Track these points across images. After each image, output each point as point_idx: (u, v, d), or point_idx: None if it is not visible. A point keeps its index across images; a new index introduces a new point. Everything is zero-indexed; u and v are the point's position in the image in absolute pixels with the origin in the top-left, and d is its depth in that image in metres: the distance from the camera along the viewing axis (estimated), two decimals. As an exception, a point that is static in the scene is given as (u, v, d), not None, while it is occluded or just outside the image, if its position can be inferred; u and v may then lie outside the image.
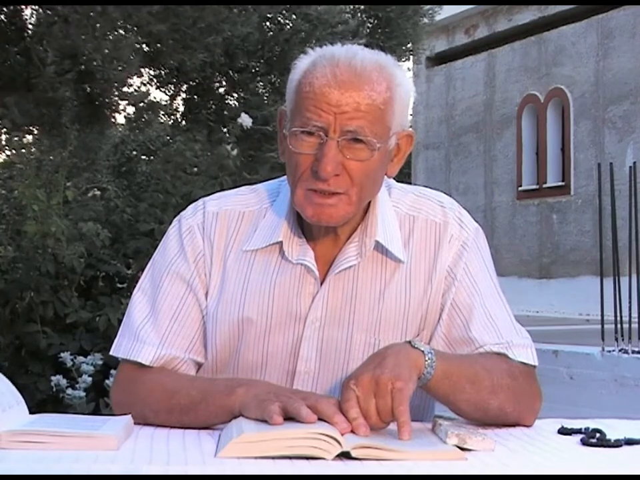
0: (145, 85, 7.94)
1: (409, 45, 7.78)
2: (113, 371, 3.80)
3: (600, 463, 1.21)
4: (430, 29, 8.74)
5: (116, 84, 6.36)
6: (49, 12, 5.78)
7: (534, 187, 14.44)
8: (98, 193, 6.40)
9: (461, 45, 16.13)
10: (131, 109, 9.34)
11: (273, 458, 1.17)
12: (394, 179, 1.62)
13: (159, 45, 6.30)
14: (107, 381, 3.89)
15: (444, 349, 1.52)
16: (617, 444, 1.30)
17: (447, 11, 13.33)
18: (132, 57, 5.84)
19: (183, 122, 7.95)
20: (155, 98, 9.58)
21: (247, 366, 1.55)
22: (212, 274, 1.57)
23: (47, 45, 5.71)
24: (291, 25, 7.09)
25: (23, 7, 6.05)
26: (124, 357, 1.55)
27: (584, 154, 13.55)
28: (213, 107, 7.53)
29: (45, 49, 5.74)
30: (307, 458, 1.17)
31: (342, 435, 1.21)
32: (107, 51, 5.70)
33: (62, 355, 4.11)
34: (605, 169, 7.24)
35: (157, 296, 1.57)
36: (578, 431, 1.40)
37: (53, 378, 4.00)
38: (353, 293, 1.54)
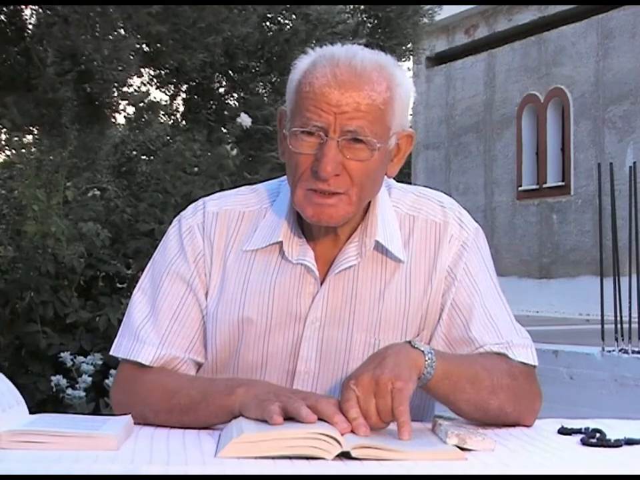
0: (145, 85, 7.94)
1: (409, 45, 7.78)
2: (112, 371, 3.80)
3: (600, 463, 1.21)
4: (430, 29, 8.75)
5: (116, 84, 6.36)
6: (48, 12, 5.78)
7: (534, 187, 14.45)
8: (98, 193, 6.39)
9: (461, 45, 16.13)
10: (131, 109, 9.34)
11: (273, 458, 1.17)
12: (394, 178, 1.62)
13: (158, 45, 6.31)
14: (106, 381, 3.89)
15: (444, 349, 1.52)
16: (617, 444, 1.30)
17: (447, 11, 13.33)
18: (132, 57, 5.84)
19: (183, 122, 7.95)
20: (155, 98, 9.58)
21: (246, 366, 1.55)
22: (212, 274, 1.57)
23: (47, 45, 5.71)
24: (290, 25, 7.09)
25: (23, 6, 6.05)
26: (124, 356, 1.55)
27: (584, 154, 13.56)
28: (213, 107, 7.54)
29: (45, 49, 5.74)
30: (307, 458, 1.17)
31: (342, 434, 1.21)
32: (106, 51, 5.70)
33: (62, 355, 4.11)
34: (605, 169, 7.24)
35: (157, 296, 1.57)
36: (578, 431, 1.40)
37: (52, 378, 4.00)
38: (352, 292, 1.54)
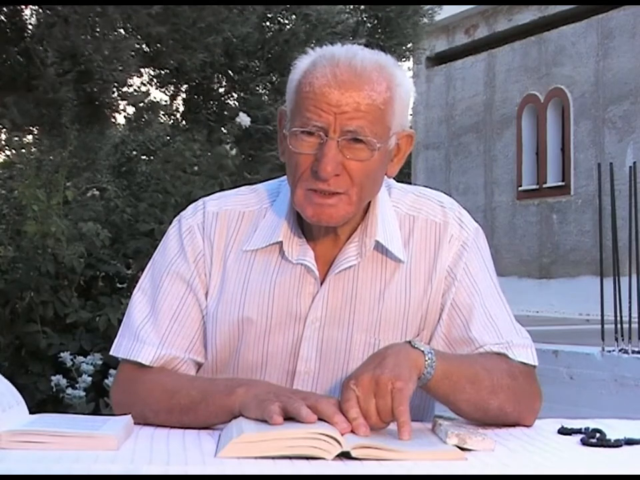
0: (144, 85, 7.93)
1: (409, 45, 7.77)
2: (112, 371, 3.80)
3: (600, 463, 1.21)
4: (430, 29, 8.75)
5: (116, 84, 6.36)
6: (48, 12, 5.78)
7: (534, 187, 14.45)
8: (97, 193, 6.39)
9: (461, 45, 16.13)
10: (131, 109, 9.33)
11: (273, 458, 1.17)
12: (394, 178, 1.62)
13: (158, 45, 6.31)
14: (106, 381, 3.89)
15: (444, 349, 1.52)
16: (617, 444, 1.30)
17: (447, 11, 13.33)
18: (132, 57, 5.84)
19: (183, 122, 7.95)
20: (155, 98, 9.56)
21: (247, 366, 1.55)
22: (212, 274, 1.57)
23: (47, 45, 5.71)
24: (290, 25, 7.09)
25: (23, 6, 6.05)
26: (124, 356, 1.55)
27: (584, 154, 13.56)
28: (213, 107, 7.53)
29: (45, 49, 5.74)
30: (307, 458, 1.17)
31: (342, 434, 1.21)
32: (106, 51, 5.70)
33: (62, 355, 4.11)
34: (605, 169, 7.24)
35: (157, 296, 1.57)
36: (578, 431, 1.40)
37: (52, 378, 4.00)
38: (353, 292, 1.54)
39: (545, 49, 14.28)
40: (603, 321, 6.19)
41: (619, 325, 6.19)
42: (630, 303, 6.22)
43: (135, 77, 7.25)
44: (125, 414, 1.39)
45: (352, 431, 1.24)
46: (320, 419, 1.25)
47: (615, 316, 6.19)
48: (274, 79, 7.22)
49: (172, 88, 7.66)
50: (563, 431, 1.41)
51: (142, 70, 7.07)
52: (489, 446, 1.26)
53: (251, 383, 1.42)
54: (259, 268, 1.55)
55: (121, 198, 5.94)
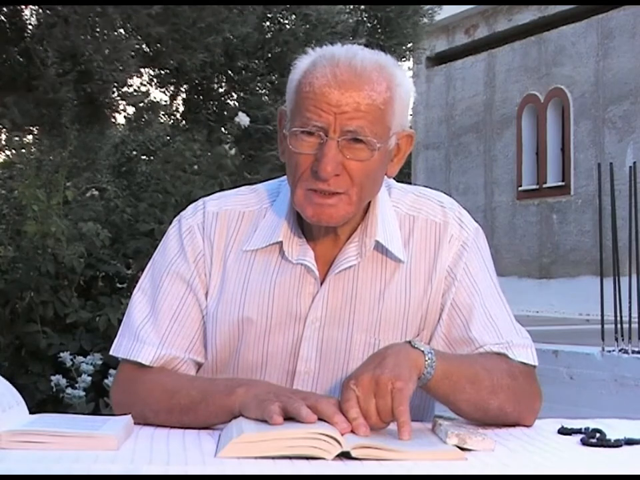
0: (144, 85, 7.93)
1: (409, 45, 7.77)
2: (112, 371, 3.80)
3: (600, 463, 1.21)
4: (430, 29, 8.75)
5: (116, 84, 6.36)
6: (48, 12, 5.78)
7: (534, 187, 14.45)
8: (96, 193, 6.39)
9: (461, 45, 16.13)
10: (131, 109, 9.32)
11: (273, 458, 1.17)
12: (394, 178, 1.62)
13: (158, 45, 6.30)
14: (106, 381, 3.89)
15: (444, 349, 1.52)
16: (617, 444, 1.30)
17: (447, 11, 13.34)
18: (132, 57, 5.84)
19: (183, 122, 7.95)
20: (155, 98, 9.56)
21: (247, 366, 1.55)
22: (212, 274, 1.57)
23: (47, 45, 5.71)
24: (290, 25, 7.09)
25: (23, 7, 6.05)
26: (124, 356, 1.55)
27: (584, 154, 13.56)
28: (213, 107, 7.53)
29: (45, 49, 5.74)
30: (307, 458, 1.17)
31: (342, 434, 1.21)
32: (106, 51, 5.70)
33: (61, 355, 4.11)
34: (605, 169, 7.24)
35: (156, 296, 1.57)
36: (578, 431, 1.40)
37: (52, 378, 4.00)
38: (353, 292, 1.54)
39: (544, 48, 14.28)
40: (603, 321, 6.19)
41: (618, 325, 6.19)
42: (630, 303, 6.22)
43: (135, 77, 7.25)
44: (125, 414, 1.39)
45: (352, 431, 1.24)
46: (320, 419, 1.25)
47: (615, 316, 6.19)
48: (274, 79, 7.22)
49: (172, 88, 7.66)
50: (563, 431, 1.41)
51: (142, 70, 7.07)
52: (489, 446, 1.26)
53: (251, 383, 1.42)
54: (259, 268, 1.55)
55: (121, 198, 5.94)
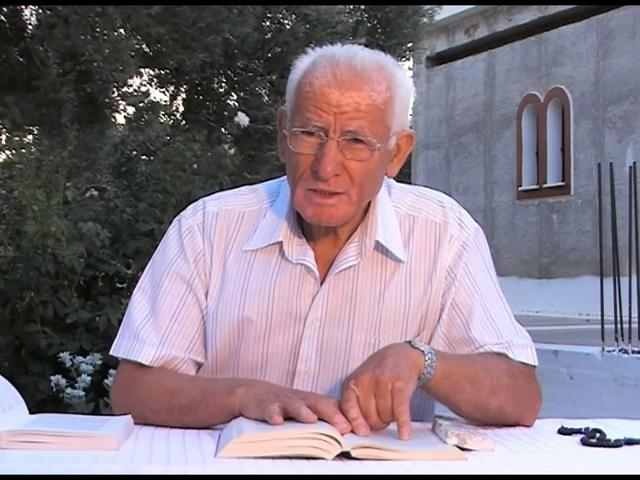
0: (144, 85, 7.94)
1: (409, 45, 7.77)
2: (112, 371, 3.80)
3: (600, 463, 1.21)
4: (430, 29, 8.75)
5: (116, 84, 6.36)
6: (48, 12, 5.79)
7: (534, 187, 14.45)
8: (95, 193, 6.39)
9: (461, 45, 16.13)
10: (131, 109, 9.33)
11: (273, 458, 1.17)
12: (394, 178, 1.62)
13: (158, 45, 6.31)
14: (106, 381, 3.89)
15: (444, 349, 1.52)
16: (617, 444, 1.30)
17: (447, 10, 13.34)
18: (132, 57, 5.85)
19: (183, 122, 7.95)
20: (155, 98, 9.56)
21: (246, 366, 1.55)
22: (212, 274, 1.57)
23: (47, 45, 5.71)
24: (290, 25, 7.09)
25: (23, 7, 6.05)
26: (124, 356, 1.55)
27: (584, 154, 13.56)
28: (213, 107, 7.53)
29: (45, 49, 5.74)
30: (307, 458, 1.17)
31: (342, 434, 1.21)
32: (107, 51, 5.70)
33: (61, 355, 4.11)
34: (605, 169, 7.24)
35: (157, 296, 1.57)
36: (578, 431, 1.40)
37: (52, 378, 4.00)
38: (353, 292, 1.54)
39: (544, 49, 14.28)
40: (603, 321, 6.19)
41: (618, 325, 6.19)
42: (630, 303, 6.22)
43: (134, 77, 7.25)
44: (125, 414, 1.39)
45: (352, 431, 1.24)
46: (320, 419, 1.25)
47: (615, 316, 6.19)
48: (273, 79, 7.22)
49: (172, 88, 7.66)
50: (563, 431, 1.41)
51: (142, 70, 7.07)
52: (489, 446, 1.26)
53: (251, 383, 1.42)
54: (259, 268, 1.55)
55: (121, 198, 5.94)
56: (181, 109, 8.08)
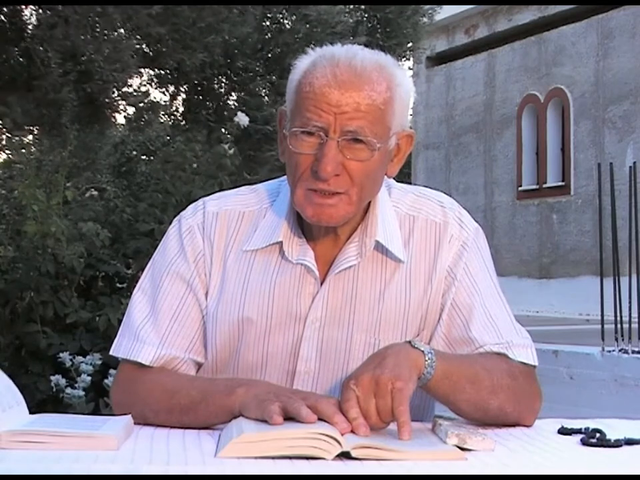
0: (144, 85, 7.93)
1: (409, 45, 7.77)
2: (112, 371, 3.80)
3: (600, 463, 1.21)
4: (430, 29, 8.75)
5: (116, 84, 6.36)
6: (49, 12, 5.79)
7: (534, 187, 14.45)
8: (95, 193, 6.39)
9: (461, 45, 16.14)
10: (131, 109, 9.33)
11: (273, 458, 1.17)
12: (394, 178, 1.62)
13: (158, 45, 6.31)
14: (106, 381, 3.89)
15: (444, 349, 1.52)
16: (617, 444, 1.30)
17: (447, 10, 13.34)
18: (132, 58, 5.85)
19: (183, 122, 7.95)
20: (155, 98, 9.57)
21: (246, 366, 1.55)
22: (212, 274, 1.57)
23: (47, 45, 5.71)
24: (290, 25, 7.09)
25: (23, 7, 6.05)
26: (124, 356, 1.55)
27: (584, 154, 13.56)
28: (213, 107, 7.53)
29: (45, 49, 5.74)
30: (307, 458, 1.17)
31: (342, 434, 1.21)
32: (107, 51, 5.70)
33: (61, 355, 4.11)
34: (605, 169, 7.24)
35: (157, 296, 1.57)
36: (578, 431, 1.40)
37: (52, 378, 4.00)
38: (353, 293, 1.54)
39: (544, 48, 14.28)
40: (603, 321, 6.19)
41: (618, 325, 6.19)
42: (630, 303, 6.22)
43: (135, 77, 7.25)
44: (125, 414, 1.39)
45: (352, 431, 1.24)
46: (320, 419, 1.25)
47: (615, 316, 6.19)
48: (273, 79, 7.22)
49: (172, 88, 7.66)
50: (563, 431, 1.41)
51: (142, 70, 7.07)
52: (489, 446, 1.26)
53: (251, 383, 1.42)
54: (259, 268, 1.55)
55: (121, 198, 5.94)
56: (181, 109, 8.08)
